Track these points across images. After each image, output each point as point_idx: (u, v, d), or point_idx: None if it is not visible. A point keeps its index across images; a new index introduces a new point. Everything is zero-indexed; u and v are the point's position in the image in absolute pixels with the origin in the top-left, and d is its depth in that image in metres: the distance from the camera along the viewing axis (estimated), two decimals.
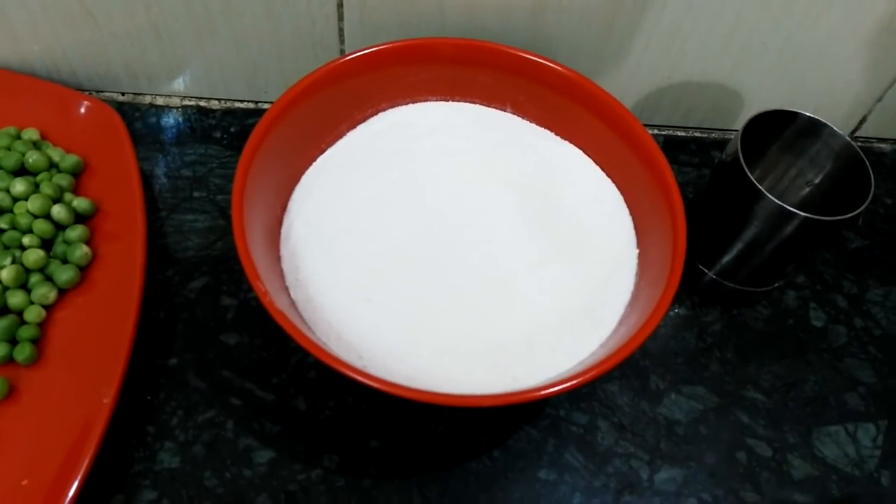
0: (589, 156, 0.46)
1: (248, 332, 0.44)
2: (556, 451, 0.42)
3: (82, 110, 0.49)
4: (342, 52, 0.51)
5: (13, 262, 0.43)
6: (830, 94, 0.54)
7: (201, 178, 0.50)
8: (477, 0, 0.47)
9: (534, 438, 0.43)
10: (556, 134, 0.47)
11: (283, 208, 0.43)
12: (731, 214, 0.43)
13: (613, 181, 0.45)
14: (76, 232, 0.44)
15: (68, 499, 0.36)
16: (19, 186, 0.45)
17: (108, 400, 0.38)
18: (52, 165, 0.47)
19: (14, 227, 0.44)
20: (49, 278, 0.43)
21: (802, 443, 0.44)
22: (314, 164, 0.44)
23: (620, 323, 0.39)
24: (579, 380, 0.34)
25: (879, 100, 0.55)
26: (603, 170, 0.45)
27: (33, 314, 0.42)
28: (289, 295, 0.39)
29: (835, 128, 0.44)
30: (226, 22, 0.49)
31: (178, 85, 0.54)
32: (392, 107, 0.47)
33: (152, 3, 0.47)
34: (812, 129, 0.44)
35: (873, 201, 0.51)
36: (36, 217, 0.44)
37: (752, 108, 0.55)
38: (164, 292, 0.46)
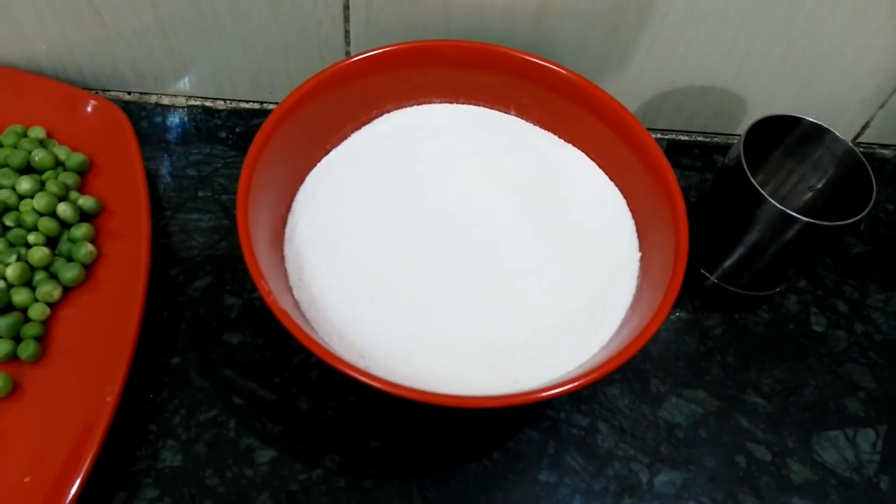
0: (592, 159, 0.46)
1: (251, 331, 0.45)
2: (556, 453, 0.43)
3: (88, 109, 0.49)
4: (348, 53, 0.51)
5: (18, 259, 0.43)
6: (833, 100, 0.54)
7: (206, 178, 0.51)
8: (482, 3, 0.47)
9: (534, 440, 0.43)
10: (560, 137, 0.47)
11: (288, 208, 0.43)
12: (734, 219, 0.43)
13: (616, 184, 0.45)
14: (81, 230, 0.45)
15: (70, 496, 0.36)
16: (25, 184, 0.45)
17: (111, 398, 0.38)
18: (58, 164, 0.47)
19: (20, 224, 0.44)
20: (54, 276, 0.43)
21: (802, 447, 0.44)
22: (319, 164, 0.45)
23: (622, 326, 0.39)
24: (580, 382, 0.34)
25: (882, 106, 0.55)
26: (606, 173, 0.45)
27: (38, 312, 0.42)
28: (292, 295, 0.39)
29: (837, 133, 0.44)
30: (232, 22, 0.49)
31: (184, 85, 0.54)
32: (397, 108, 0.47)
33: (159, 3, 0.48)
34: (814, 134, 0.44)
35: (875, 207, 0.51)
36: (41, 215, 0.45)
37: (756, 112, 0.55)
38: (168, 291, 0.46)
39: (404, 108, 0.47)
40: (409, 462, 0.41)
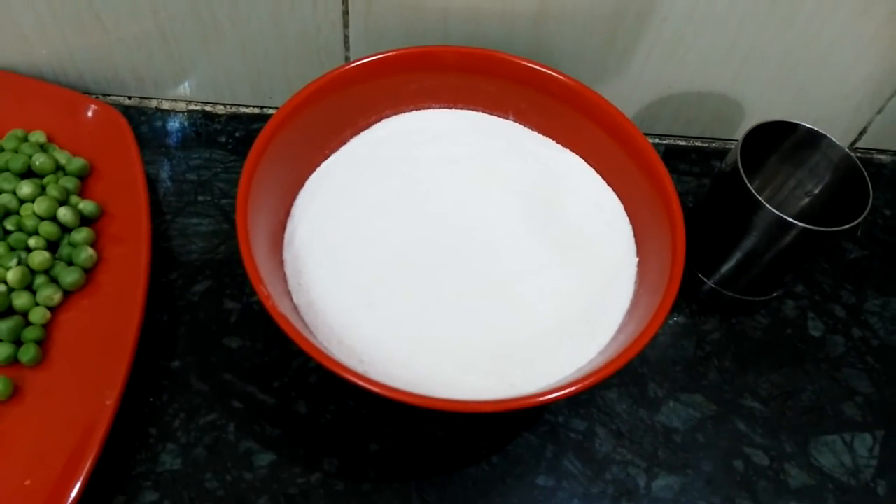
0: (590, 164, 0.46)
1: (251, 335, 0.45)
2: (554, 457, 0.43)
3: (89, 114, 0.49)
4: (347, 58, 0.51)
5: (19, 263, 0.43)
6: (831, 106, 0.54)
7: (206, 183, 0.51)
8: (481, 8, 0.47)
9: (532, 444, 0.43)
10: (558, 142, 0.47)
11: (287, 213, 0.43)
12: (731, 224, 0.44)
13: (614, 189, 0.45)
14: (82, 234, 0.45)
15: (70, 499, 0.36)
16: (26, 188, 0.45)
17: (111, 401, 0.38)
18: (59, 168, 0.48)
19: (20, 228, 0.45)
20: (54, 280, 0.44)
21: (799, 452, 0.44)
22: (318, 169, 0.45)
23: (619, 330, 0.39)
24: (578, 386, 0.34)
25: (880, 111, 0.55)
26: (604, 178, 0.46)
27: (38, 315, 0.42)
28: (291, 299, 0.39)
29: (834, 139, 0.44)
30: (232, 28, 0.49)
31: (184, 89, 0.54)
32: (396, 114, 0.47)
33: (160, 9, 0.48)
34: (811, 140, 0.45)
35: (872, 212, 0.51)
36: (42, 219, 0.45)
37: (753, 118, 0.55)
38: (167, 295, 0.46)
39: (403, 114, 0.47)
40: (407, 466, 0.42)
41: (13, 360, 0.41)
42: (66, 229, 0.45)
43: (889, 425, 0.46)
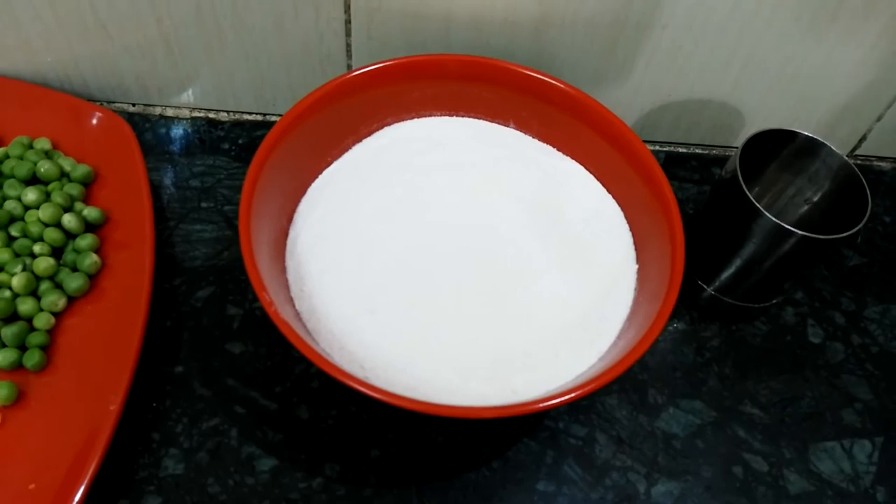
0: (590, 171, 0.46)
1: (253, 341, 0.45)
2: (554, 463, 0.43)
3: (94, 121, 0.50)
4: (349, 67, 0.52)
5: (24, 269, 0.44)
6: (831, 113, 0.54)
7: (209, 189, 0.51)
8: (482, 17, 0.48)
9: (533, 450, 0.43)
10: (558, 150, 0.47)
11: (289, 220, 0.43)
12: (730, 231, 0.44)
13: (614, 196, 0.45)
14: (86, 240, 0.45)
15: (74, 503, 0.36)
16: (31, 195, 0.46)
17: (114, 406, 0.39)
18: (64, 175, 0.48)
19: (25, 235, 0.45)
20: (59, 286, 0.44)
21: (799, 458, 0.44)
22: (320, 176, 0.45)
23: (619, 337, 0.40)
24: (578, 393, 0.34)
25: (879, 119, 0.55)
26: (604, 185, 0.46)
27: (43, 321, 0.43)
28: (293, 306, 0.40)
29: (833, 147, 0.44)
30: (236, 36, 0.50)
31: (188, 97, 0.55)
32: (397, 121, 0.47)
33: (164, 17, 0.48)
34: (811, 147, 0.45)
35: (872, 219, 0.52)
36: (47, 225, 0.45)
37: (753, 125, 0.56)
38: (171, 301, 0.46)
39: (405, 122, 0.47)
40: (408, 471, 0.42)
41: (18, 366, 0.41)
42: (70, 235, 0.46)
43: (888, 432, 0.46)
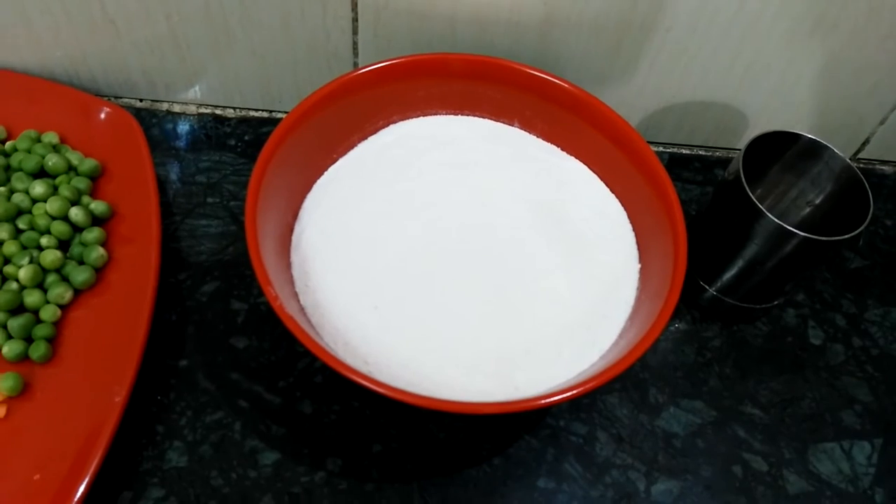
0: (594, 171, 0.47)
1: (257, 336, 0.46)
2: (555, 460, 0.43)
3: (102, 116, 0.50)
4: (356, 64, 0.52)
5: (31, 261, 0.44)
6: (834, 116, 0.55)
7: (215, 185, 0.52)
8: (487, 17, 0.48)
9: (533, 447, 0.43)
10: (562, 149, 0.48)
11: (295, 216, 0.44)
12: (733, 232, 0.44)
13: (617, 196, 0.46)
14: (93, 234, 0.45)
15: (79, 494, 0.37)
16: (38, 188, 0.46)
17: (119, 399, 0.39)
18: (71, 168, 0.48)
19: (32, 227, 0.45)
20: (65, 279, 0.44)
21: (798, 458, 0.45)
22: (326, 173, 0.45)
23: (621, 335, 0.40)
24: (579, 390, 0.35)
25: (882, 122, 0.55)
26: (607, 185, 0.46)
27: (49, 313, 0.43)
28: (298, 301, 0.40)
29: (835, 149, 0.44)
30: (243, 33, 0.50)
31: (195, 93, 0.55)
32: (403, 119, 0.48)
33: (173, 13, 0.49)
34: (813, 150, 0.45)
35: (874, 222, 0.52)
36: (54, 219, 0.46)
37: (756, 127, 0.56)
38: (176, 295, 0.47)
39: (410, 119, 0.48)
40: (410, 466, 0.42)
41: (24, 357, 0.42)
42: (77, 229, 0.46)
43: (887, 434, 0.46)
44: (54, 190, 0.47)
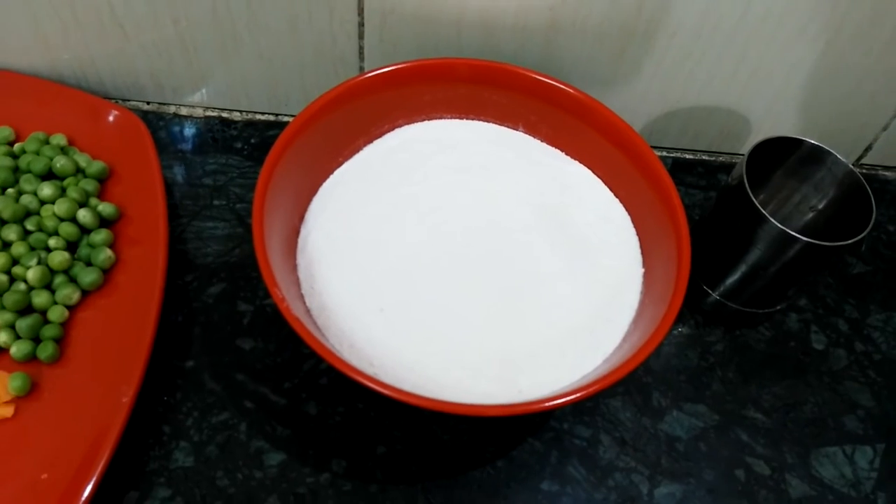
0: (598, 175, 0.47)
1: (263, 337, 0.46)
2: (558, 463, 0.43)
3: (110, 118, 0.51)
4: (362, 69, 0.52)
5: (39, 263, 0.44)
6: (837, 122, 0.55)
7: (222, 187, 0.52)
8: (494, 22, 0.48)
9: (537, 450, 0.44)
10: (567, 153, 0.48)
11: (301, 218, 0.44)
12: (736, 237, 0.44)
13: (621, 201, 0.46)
14: (100, 236, 0.46)
15: (86, 494, 0.37)
16: (47, 190, 0.46)
17: (126, 399, 0.39)
18: (79, 170, 0.49)
19: (41, 229, 0.46)
20: (73, 280, 0.45)
21: (800, 463, 0.45)
22: (332, 176, 0.46)
23: (624, 339, 0.40)
24: (582, 393, 0.35)
25: (885, 128, 0.56)
26: (611, 189, 0.46)
27: (57, 314, 0.43)
28: (304, 303, 0.40)
29: (838, 155, 0.45)
30: (251, 37, 0.50)
31: (202, 96, 0.56)
32: (408, 123, 0.48)
33: (181, 17, 0.49)
34: (816, 156, 0.45)
35: (876, 228, 0.52)
36: (62, 220, 0.46)
37: (760, 133, 0.56)
38: (183, 297, 0.47)
39: (415, 123, 0.48)
40: (414, 468, 0.42)
41: (32, 357, 0.42)
42: (85, 230, 0.46)
43: (890, 438, 0.46)
44: (62, 192, 0.47)
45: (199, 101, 0.56)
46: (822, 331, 0.50)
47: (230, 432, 0.42)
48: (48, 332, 0.43)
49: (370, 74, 0.45)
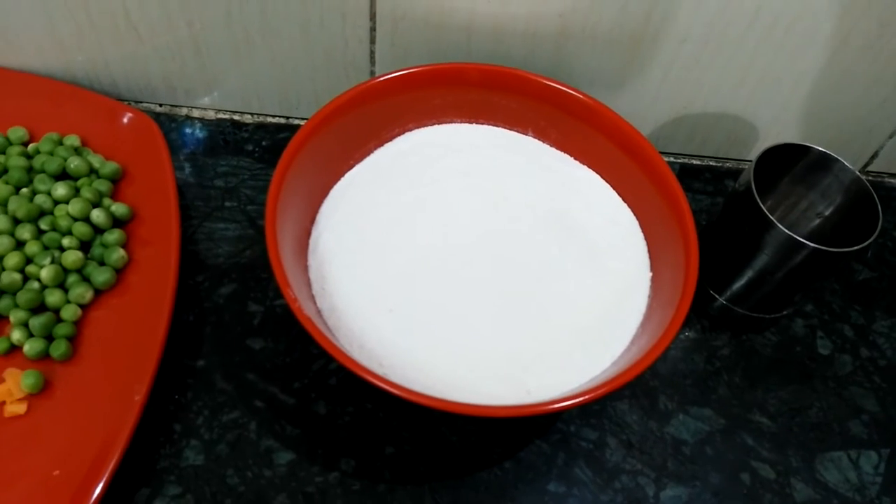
0: (606, 180, 0.47)
1: (273, 337, 0.46)
2: (565, 465, 0.44)
3: (124, 120, 0.51)
4: (372, 73, 0.53)
5: (52, 262, 0.45)
6: (844, 129, 0.55)
7: (233, 189, 0.52)
8: (504, 28, 0.49)
9: (544, 452, 0.44)
10: (576, 158, 0.48)
11: (312, 220, 0.44)
12: (743, 242, 0.45)
13: (629, 205, 0.46)
14: (113, 236, 0.46)
15: (97, 491, 0.37)
16: (61, 190, 0.47)
17: (139, 397, 0.40)
18: (93, 171, 0.49)
19: (54, 228, 0.46)
20: (86, 279, 0.45)
21: (805, 467, 0.45)
22: (343, 178, 0.46)
23: (632, 343, 0.41)
24: (590, 395, 0.35)
25: (891, 136, 0.56)
26: (619, 194, 0.47)
27: (70, 313, 0.44)
28: (315, 303, 0.41)
29: (845, 162, 0.45)
30: (263, 41, 0.51)
31: (214, 98, 0.56)
32: (418, 127, 0.48)
33: (194, 20, 0.50)
34: (823, 162, 0.46)
35: (882, 234, 0.52)
36: (76, 220, 0.46)
37: (767, 139, 0.56)
38: (194, 297, 0.47)
39: (426, 127, 0.49)
40: (422, 468, 0.43)
41: (45, 355, 0.43)
42: (98, 230, 0.47)
43: (895, 444, 0.46)
44: (76, 192, 0.48)
45: (210, 103, 0.56)
46: (827, 336, 0.51)
47: (240, 431, 0.43)
48: (61, 330, 0.43)
49: (382, 78, 0.45)
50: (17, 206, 0.46)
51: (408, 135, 0.48)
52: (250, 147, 0.55)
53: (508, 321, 0.41)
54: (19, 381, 0.41)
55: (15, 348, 0.43)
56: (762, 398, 0.47)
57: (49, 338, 0.43)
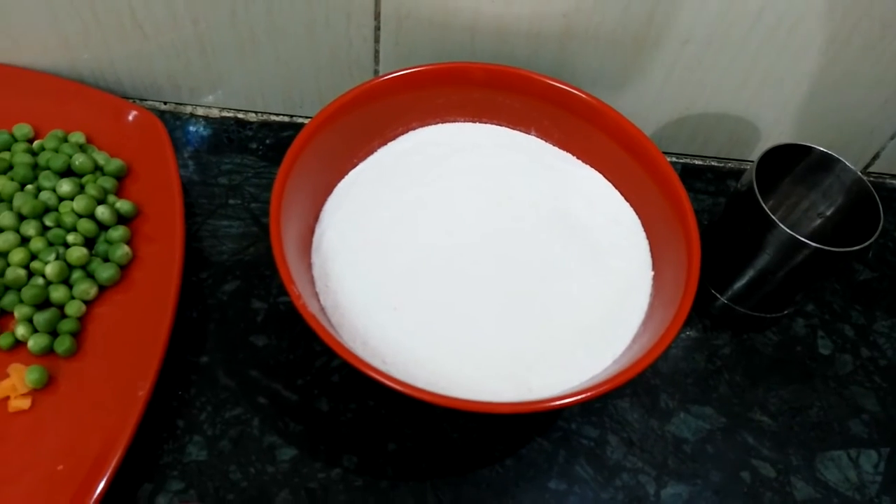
0: (609, 179, 0.48)
1: (276, 334, 0.46)
2: (566, 462, 0.44)
3: (129, 118, 0.51)
4: (377, 72, 0.53)
5: (57, 258, 0.45)
6: (845, 130, 0.55)
7: (237, 187, 0.53)
8: (508, 28, 0.49)
9: (545, 449, 0.44)
10: (578, 157, 0.48)
11: (316, 218, 0.45)
12: (745, 242, 0.45)
13: (631, 205, 0.47)
14: (118, 232, 0.46)
15: (101, 486, 0.37)
16: (66, 187, 0.47)
17: (142, 393, 0.40)
18: (98, 168, 0.50)
19: (59, 225, 0.46)
20: (90, 275, 0.45)
21: (806, 466, 0.45)
22: (346, 177, 0.46)
23: (633, 341, 0.41)
24: (591, 393, 0.36)
25: (893, 137, 0.56)
26: (622, 193, 0.47)
27: (74, 308, 0.44)
28: (318, 300, 0.41)
29: (847, 163, 0.45)
30: (268, 39, 0.51)
31: (218, 97, 0.56)
32: (422, 126, 0.49)
33: (200, 19, 0.50)
34: (825, 163, 0.46)
35: (883, 235, 0.53)
36: (80, 216, 0.47)
37: (769, 140, 0.57)
38: (198, 293, 0.48)
39: (429, 126, 0.49)
40: (424, 465, 0.43)
41: (49, 351, 0.43)
42: (103, 227, 0.47)
43: (895, 443, 0.47)
44: (81, 189, 0.48)
45: (215, 101, 0.57)
46: (828, 336, 0.51)
47: (243, 427, 0.43)
48: (65, 326, 0.43)
49: (386, 77, 0.45)
50: (22, 202, 0.46)
51: (411, 133, 0.48)
52: (254, 145, 0.55)
53: (511, 319, 0.41)
54: (23, 377, 0.41)
55: (19, 344, 0.43)
56: (763, 397, 0.48)
57: (53, 333, 0.43)
